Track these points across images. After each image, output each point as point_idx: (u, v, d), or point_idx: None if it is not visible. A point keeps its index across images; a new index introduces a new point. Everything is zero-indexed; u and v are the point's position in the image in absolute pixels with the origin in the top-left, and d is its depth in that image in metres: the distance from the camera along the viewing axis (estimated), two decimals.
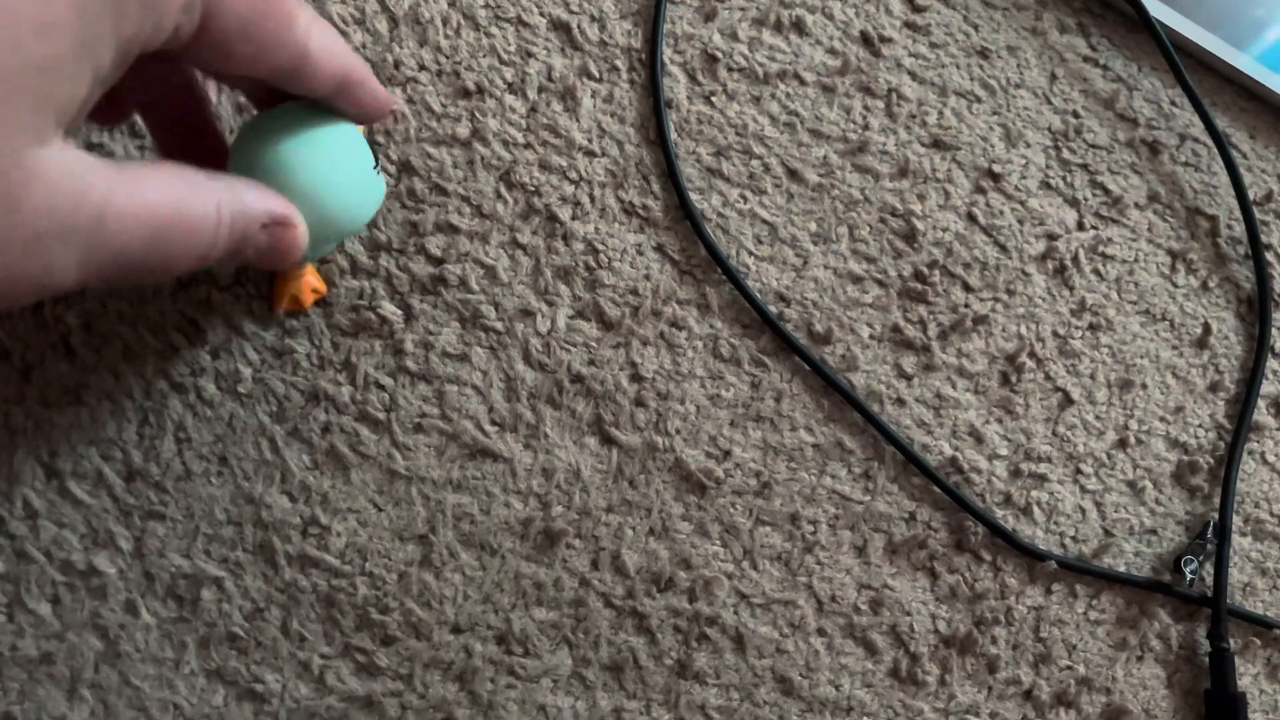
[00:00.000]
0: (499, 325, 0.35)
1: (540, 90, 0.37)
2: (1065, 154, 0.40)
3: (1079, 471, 0.38)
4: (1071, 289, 0.39)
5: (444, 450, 0.34)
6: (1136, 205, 0.40)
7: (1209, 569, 0.38)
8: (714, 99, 0.38)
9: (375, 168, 0.29)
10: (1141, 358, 0.39)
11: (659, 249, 0.37)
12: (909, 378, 0.37)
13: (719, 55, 0.38)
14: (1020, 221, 0.39)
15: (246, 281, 0.34)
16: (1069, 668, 0.37)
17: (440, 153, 0.35)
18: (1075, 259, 0.39)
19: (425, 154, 0.35)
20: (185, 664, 0.33)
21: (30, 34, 0.19)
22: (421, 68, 0.36)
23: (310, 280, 0.33)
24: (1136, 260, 0.40)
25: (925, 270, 0.38)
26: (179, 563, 0.33)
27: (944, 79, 0.39)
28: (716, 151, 0.37)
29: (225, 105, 0.34)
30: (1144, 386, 0.39)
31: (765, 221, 0.37)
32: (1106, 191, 0.40)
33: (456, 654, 0.34)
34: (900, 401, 0.37)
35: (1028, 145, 0.40)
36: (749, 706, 0.35)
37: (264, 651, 0.33)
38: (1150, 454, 0.39)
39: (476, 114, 0.36)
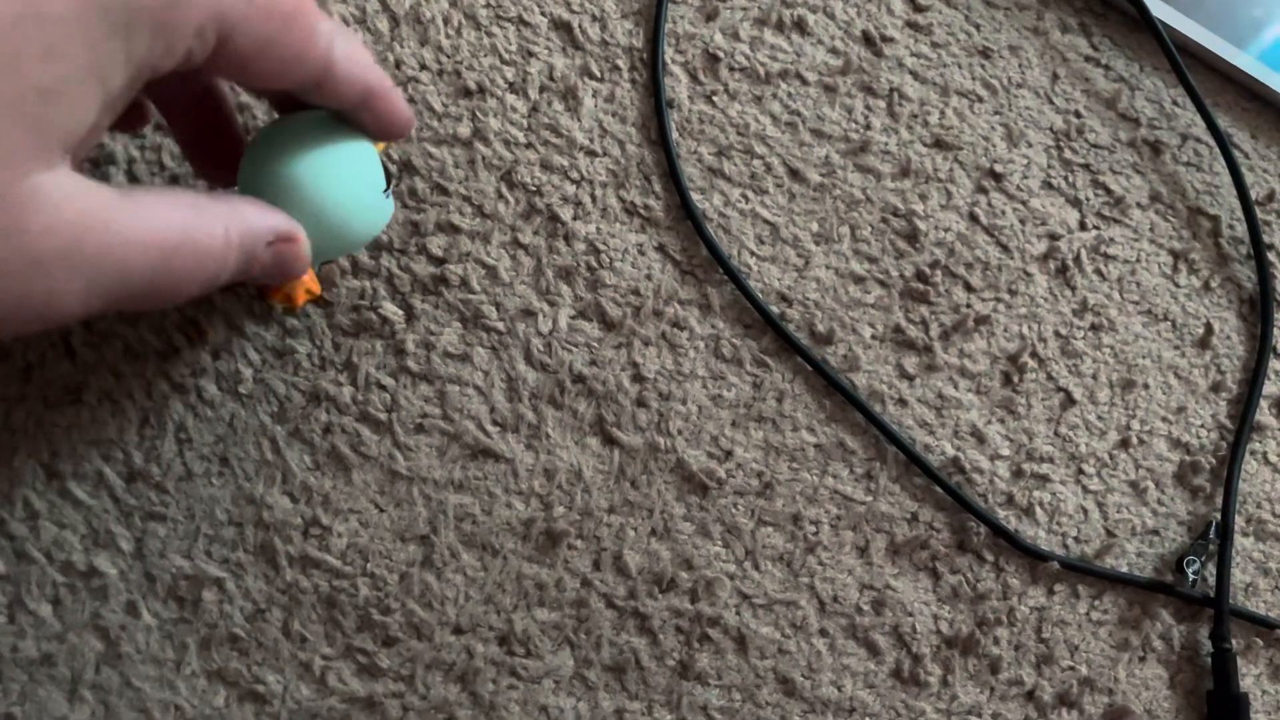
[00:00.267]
0: (500, 325, 0.35)
1: (542, 90, 0.36)
2: (1067, 154, 0.40)
3: (1081, 472, 0.38)
4: (1073, 289, 0.39)
5: (445, 451, 0.34)
6: (1138, 205, 0.40)
7: (1211, 569, 0.38)
8: (715, 99, 0.38)
9: (387, 191, 0.29)
10: (1143, 358, 0.39)
11: (660, 249, 0.37)
12: (911, 378, 0.37)
13: (720, 55, 0.38)
14: (1022, 221, 0.39)
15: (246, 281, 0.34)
16: (1071, 668, 0.37)
17: (442, 152, 0.35)
18: (1077, 259, 0.39)
19: (427, 153, 0.35)
20: (186, 665, 0.33)
21: (32, 58, 0.19)
22: (423, 67, 0.36)
23: (305, 281, 0.33)
24: (1138, 260, 0.40)
25: (927, 270, 0.38)
26: (180, 563, 0.33)
27: (946, 79, 0.39)
28: (718, 151, 0.37)
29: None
30: (1146, 386, 0.39)
31: (767, 221, 0.37)
32: (1108, 191, 0.40)
33: (458, 655, 0.34)
34: (902, 402, 0.37)
35: (1029, 145, 0.40)
36: (751, 707, 0.35)
37: (265, 652, 0.33)
38: (1152, 454, 0.39)
39: (478, 113, 0.36)
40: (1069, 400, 0.38)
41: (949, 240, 0.38)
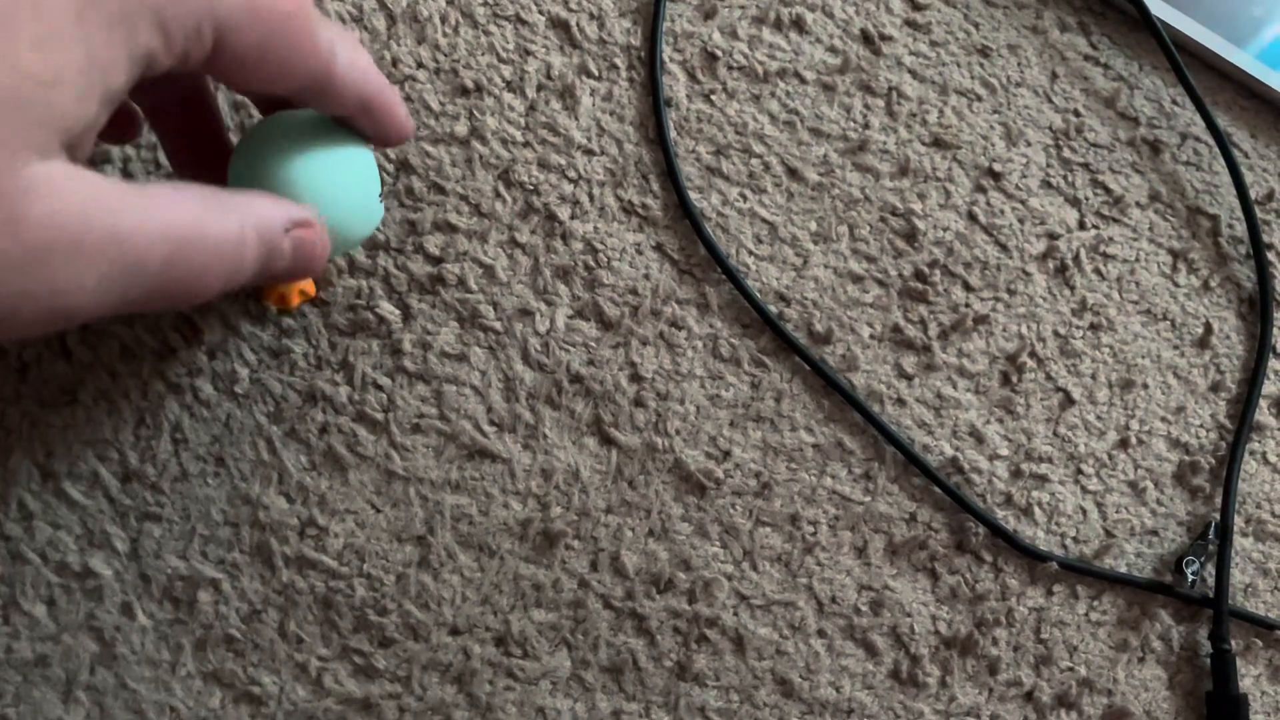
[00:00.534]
0: (498, 325, 0.35)
1: (539, 88, 0.36)
2: (1066, 153, 0.40)
3: (1080, 472, 0.38)
4: (1072, 288, 0.39)
5: (442, 451, 0.34)
6: (1138, 204, 0.40)
7: (1210, 570, 0.38)
8: (714, 97, 0.38)
9: (380, 196, 0.29)
10: (1143, 357, 0.39)
11: (658, 248, 0.36)
12: (909, 378, 0.37)
13: (719, 53, 0.38)
14: (1021, 221, 0.39)
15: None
16: (1070, 669, 0.37)
17: (438, 151, 0.35)
18: (1076, 258, 0.39)
19: (423, 152, 0.35)
20: (182, 666, 0.32)
21: (28, 46, 0.19)
22: (419, 65, 0.36)
23: (298, 283, 0.33)
24: (1138, 260, 0.40)
25: (926, 270, 0.38)
26: (175, 564, 0.33)
27: (944, 77, 0.39)
28: (716, 150, 0.37)
29: (221, 98, 0.34)
30: (1145, 386, 0.39)
31: (765, 220, 0.37)
32: (1107, 190, 0.40)
33: (455, 656, 0.34)
34: (901, 401, 0.37)
35: (1028, 144, 0.39)
36: (749, 708, 0.35)
37: (261, 653, 0.33)
38: (1151, 454, 0.39)
39: (475, 112, 0.36)
40: (1068, 400, 0.38)
41: (948, 239, 0.38)
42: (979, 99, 0.39)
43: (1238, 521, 0.39)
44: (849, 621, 0.36)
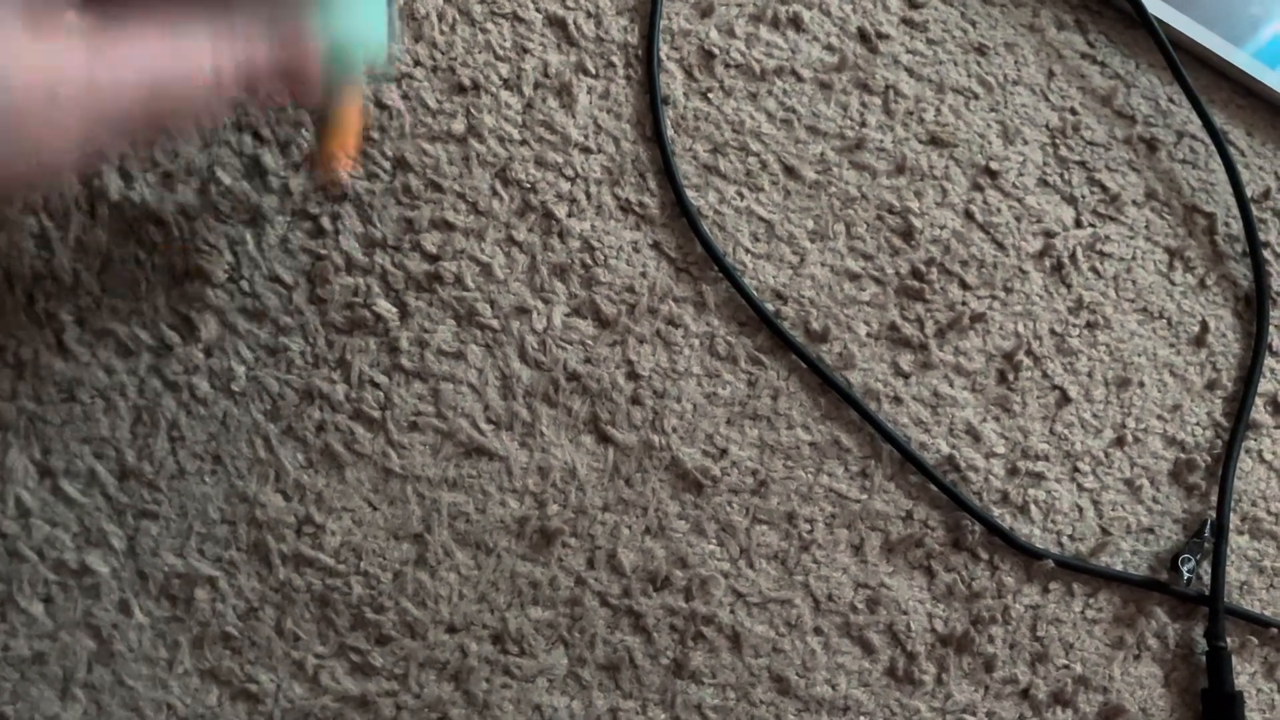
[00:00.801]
0: (495, 323, 0.35)
1: (536, 86, 0.36)
2: (1063, 151, 0.40)
3: (1076, 470, 0.38)
4: (1069, 287, 0.39)
5: (439, 449, 0.34)
6: (1134, 203, 0.40)
7: (1206, 567, 0.38)
8: (711, 95, 0.38)
9: (391, 23, 0.28)
10: (1139, 356, 0.39)
11: (655, 246, 0.36)
12: (906, 376, 0.37)
13: (716, 51, 0.38)
14: (1018, 219, 0.39)
15: (241, 279, 0.34)
16: (1066, 666, 0.37)
17: (436, 149, 0.35)
18: (1073, 256, 0.39)
19: (421, 150, 0.35)
20: (179, 664, 0.33)
21: None
22: (417, 63, 0.36)
23: (354, 124, 0.31)
24: (1134, 258, 0.40)
25: (923, 268, 0.38)
26: (172, 562, 0.33)
27: (941, 76, 0.39)
28: (713, 148, 0.37)
29: None
30: (1141, 384, 0.39)
31: (762, 219, 0.37)
32: (1104, 189, 0.40)
33: (452, 653, 0.34)
34: (897, 399, 0.37)
35: (1025, 142, 0.39)
36: (745, 706, 0.35)
37: (258, 651, 0.33)
38: (1148, 452, 0.39)
39: (472, 110, 0.36)
40: (1064, 398, 0.38)
41: (944, 238, 0.38)
42: (976, 97, 0.39)
43: (1233, 519, 0.39)
44: (845, 619, 0.36)
